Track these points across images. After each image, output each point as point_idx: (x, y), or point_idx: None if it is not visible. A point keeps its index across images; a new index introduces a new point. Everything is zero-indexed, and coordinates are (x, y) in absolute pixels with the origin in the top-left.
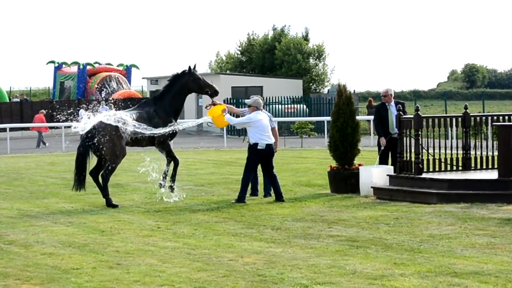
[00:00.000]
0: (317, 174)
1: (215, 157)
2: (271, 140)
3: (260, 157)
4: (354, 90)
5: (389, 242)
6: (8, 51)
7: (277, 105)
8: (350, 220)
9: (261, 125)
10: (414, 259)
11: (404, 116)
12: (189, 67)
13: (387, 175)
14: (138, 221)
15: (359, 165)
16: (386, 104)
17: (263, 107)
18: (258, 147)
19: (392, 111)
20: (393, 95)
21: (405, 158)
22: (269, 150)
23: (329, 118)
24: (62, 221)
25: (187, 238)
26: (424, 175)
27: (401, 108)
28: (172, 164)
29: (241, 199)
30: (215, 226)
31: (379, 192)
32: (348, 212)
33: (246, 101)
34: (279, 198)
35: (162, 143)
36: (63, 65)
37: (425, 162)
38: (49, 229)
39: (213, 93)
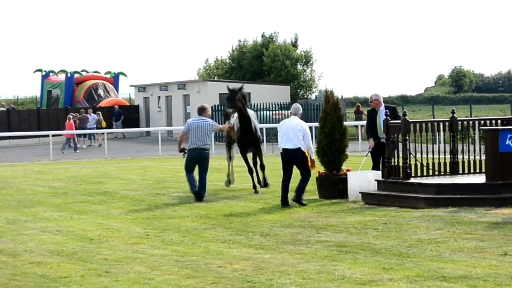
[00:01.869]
0: None
1: None
2: (289, 145)
3: (282, 160)
4: (342, 96)
5: (378, 247)
6: None
7: (265, 111)
8: (339, 225)
9: (281, 131)
10: (402, 263)
11: (391, 121)
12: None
13: (375, 180)
14: (127, 229)
15: (347, 170)
16: (376, 109)
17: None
18: (280, 152)
19: (381, 116)
20: (379, 100)
21: (393, 163)
22: (287, 154)
23: (316, 124)
24: (50, 229)
25: (176, 245)
26: (412, 180)
27: (388, 113)
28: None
29: (283, 202)
30: (203, 233)
31: (367, 197)
32: (337, 217)
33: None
34: (295, 199)
35: None
36: (51, 74)
37: (413, 167)
38: (37, 237)
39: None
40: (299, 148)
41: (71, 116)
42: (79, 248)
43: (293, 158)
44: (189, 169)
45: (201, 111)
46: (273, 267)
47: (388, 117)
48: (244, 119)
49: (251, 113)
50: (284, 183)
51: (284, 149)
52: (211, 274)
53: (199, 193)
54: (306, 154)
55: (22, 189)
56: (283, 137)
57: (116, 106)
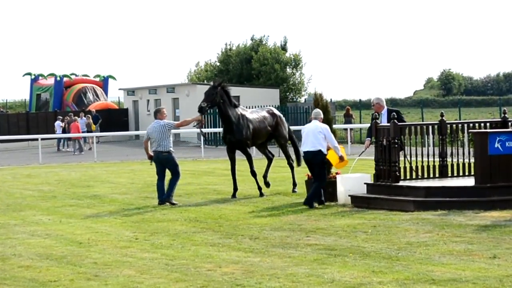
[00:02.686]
0: None
1: (192, 167)
2: (309, 147)
3: (305, 162)
4: (331, 99)
5: (367, 250)
6: None
7: None
8: (328, 228)
9: (303, 134)
10: (392, 266)
11: (380, 124)
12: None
13: (364, 183)
14: (116, 232)
15: (336, 173)
16: (378, 112)
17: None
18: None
19: (383, 119)
20: (381, 104)
21: (382, 166)
22: (307, 155)
23: None
24: (39, 233)
25: (165, 248)
26: (401, 183)
27: (395, 116)
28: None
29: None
30: (193, 236)
31: (356, 200)
32: (326, 220)
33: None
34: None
35: None
36: (40, 77)
37: (402, 170)
38: (26, 241)
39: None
40: (319, 151)
41: (77, 118)
42: (68, 252)
43: (312, 159)
44: (157, 173)
45: (156, 114)
46: (263, 271)
47: (395, 120)
48: (223, 116)
49: (242, 112)
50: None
51: (304, 152)
52: (200, 277)
53: (163, 202)
54: (330, 158)
55: (11, 192)
56: (304, 140)
57: (93, 110)
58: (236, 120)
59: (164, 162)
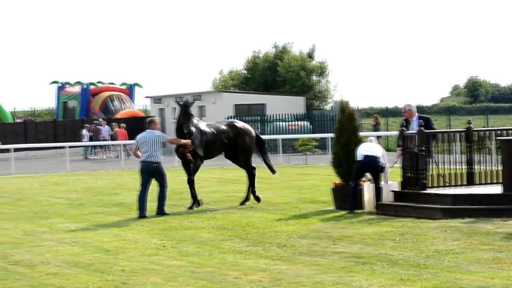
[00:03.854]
0: (321, 191)
1: (219, 175)
2: (369, 153)
3: (359, 168)
4: (357, 107)
5: (395, 258)
6: (11, 72)
7: (280, 123)
8: (355, 236)
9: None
10: (420, 274)
11: (407, 132)
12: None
13: (392, 191)
14: (143, 240)
15: (363, 181)
16: (409, 119)
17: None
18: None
19: (413, 126)
20: (413, 110)
21: (409, 174)
22: (367, 160)
23: (332, 135)
24: (67, 240)
25: (192, 256)
26: (428, 191)
27: (422, 124)
28: None
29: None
30: (220, 244)
31: (383, 208)
32: (353, 228)
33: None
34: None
35: None
36: (66, 85)
37: (429, 177)
38: (54, 249)
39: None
40: (379, 158)
41: (124, 125)
42: (96, 259)
43: (371, 164)
44: (141, 183)
45: (150, 124)
46: (290, 278)
47: (422, 127)
48: (181, 131)
49: (197, 123)
50: (354, 189)
51: (365, 156)
52: (227, 285)
53: (144, 217)
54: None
55: (39, 200)
56: (361, 147)
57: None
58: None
59: (154, 173)
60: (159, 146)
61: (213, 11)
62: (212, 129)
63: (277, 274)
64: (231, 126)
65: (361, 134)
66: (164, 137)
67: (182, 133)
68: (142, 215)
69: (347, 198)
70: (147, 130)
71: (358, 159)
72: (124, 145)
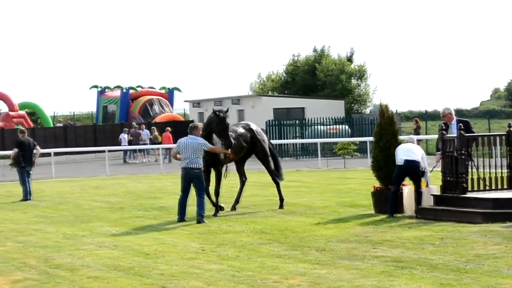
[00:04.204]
0: (360, 195)
1: (258, 179)
2: (408, 157)
3: (400, 172)
4: (396, 110)
5: (435, 262)
6: (51, 76)
7: (319, 126)
8: (395, 240)
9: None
10: (460, 279)
11: (447, 135)
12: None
13: (432, 195)
14: (183, 244)
15: (403, 185)
16: (448, 123)
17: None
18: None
19: (452, 130)
20: (452, 114)
21: (449, 178)
22: (408, 164)
23: (371, 138)
24: (107, 244)
25: (232, 260)
26: (468, 195)
27: (462, 127)
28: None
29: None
30: (259, 248)
31: (423, 212)
32: (393, 232)
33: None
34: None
35: None
36: (106, 89)
37: (469, 181)
38: (94, 252)
39: (226, 146)
40: (419, 162)
41: (169, 129)
42: (136, 263)
43: (412, 169)
44: (182, 189)
45: (193, 129)
46: (329, 283)
47: (462, 131)
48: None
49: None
50: (395, 194)
51: (406, 160)
52: None
53: (183, 221)
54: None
55: (79, 204)
56: (401, 150)
57: (134, 123)
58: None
59: (194, 179)
60: (200, 153)
61: (251, 16)
62: (232, 133)
63: (316, 278)
64: (248, 129)
65: (401, 137)
66: (206, 144)
67: (209, 141)
68: (181, 219)
69: (387, 202)
70: (189, 136)
71: (398, 163)
72: (166, 149)
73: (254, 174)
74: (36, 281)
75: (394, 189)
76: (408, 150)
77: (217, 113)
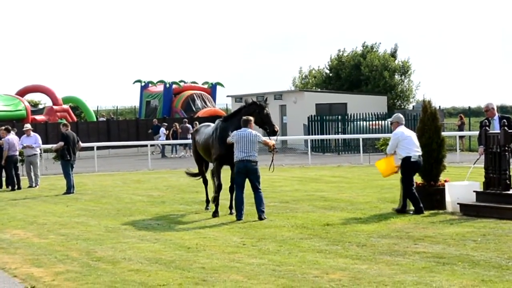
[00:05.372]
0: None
1: (300, 174)
2: (420, 152)
3: (414, 168)
4: (440, 106)
5: (476, 258)
6: (95, 71)
7: (361, 122)
8: (436, 236)
9: (408, 138)
10: (502, 276)
11: (490, 132)
12: (263, 100)
13: (474, 191)
14: (223, 238)
15: (445, 181)
16: (490, 118)
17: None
18: (412, 160)
19: (495, 125)
20: (494, 109)
21: (492, 174)
22: (421, 161)
23: None
24: (149, 238)
25: (272, 254)
26: (511, 191)
27: (506, 123)
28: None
29: (419, 210)
30: (300, 242)
31: (465, 209)
32: (434, 228)
33: (389, 119)
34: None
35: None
36: (149, 84)
37: None
38: (136, 245)
39: (272, 132)
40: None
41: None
42: (177, 256)
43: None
44: (237, 184)
45: (247, 122)
46: (370, 278)
47: (505, 127)
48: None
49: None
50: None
51: (420, 156)
52: (307, 284)
53: (241, 218)
54: (384, 164)
55: (121, 198)
56: (414, 144)
57: (155, 120)
58: None
59: (251, 172)
60: (256, 145)
61: (293, 11)
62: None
63: (357, 273)
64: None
65: (444, 134)
66: (260, 137)
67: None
68: (240, 218)
69: (428, 198)
70: (243, 129)
71: (413, 159)
72: None
73: (295, 169)
74: (78, 273)
75: (411, 188)
76: (416, 143)
77: (258, 102)
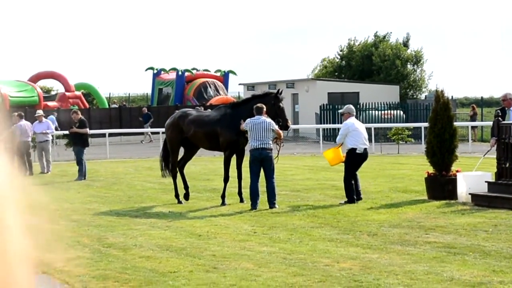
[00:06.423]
0: (414, 181)
1: (311, 162)
2: (368, 145)
3: (359, 160)
4: (452, 96)
5: (488, 249)
6: (107, 58)
7: (373, 111)
8: (448, 226)
9: (357, 130)
10: None
11: (503, 122)
12: (278, 91)
13: (486, 181)
14: (234, 226)
15: (457, 171)
16: (506, 108)
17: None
18: (357, 151)
19: (510, 116)
20: None
21: (504, 165)
22: (367, 154)
23: (426, 124)
24: (160, 225)
25: (283, 243)
26: None
27: None
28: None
29: (351, 200)
30: (311, 231)
31: (477, 199)
32: (446, 218)
33: (340, 111)
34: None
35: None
36: (162, 72)
37: None
38: (147, 232)
39: (284, 127)
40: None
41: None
42: (188, 243)
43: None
44: (252, 172)
45: (260, 110)
46: (381, 267)
47: None
48: None
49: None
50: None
51: (365, 149)
52: (318, 272)
53: (255, 207)
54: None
55: (133, 185)
56: (361, 137)
57: (145, 108)
58: None
59: (265, 160)
60: (270, 133)
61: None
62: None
63: (368, 262)
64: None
65: (456, 124)
66: (273, 125)
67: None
68: (255, 207)
69: (440, 188)
70: (257, 116)
71: (358, 151)
72: None
73: (306, 158)
74: (89, 260)
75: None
76: (365, 135)
77: (277, 94)
